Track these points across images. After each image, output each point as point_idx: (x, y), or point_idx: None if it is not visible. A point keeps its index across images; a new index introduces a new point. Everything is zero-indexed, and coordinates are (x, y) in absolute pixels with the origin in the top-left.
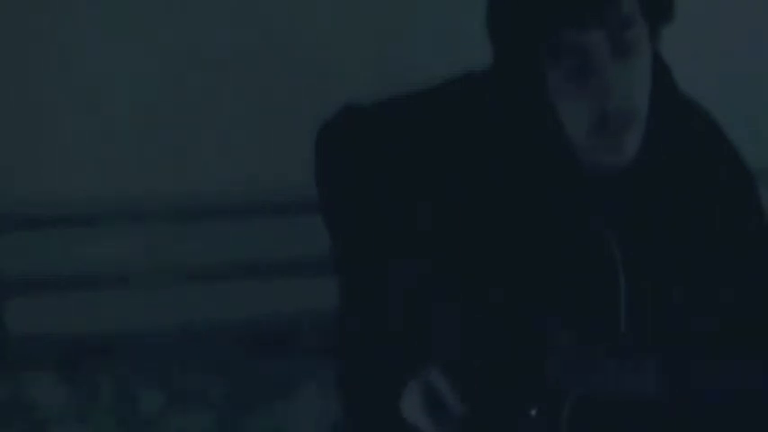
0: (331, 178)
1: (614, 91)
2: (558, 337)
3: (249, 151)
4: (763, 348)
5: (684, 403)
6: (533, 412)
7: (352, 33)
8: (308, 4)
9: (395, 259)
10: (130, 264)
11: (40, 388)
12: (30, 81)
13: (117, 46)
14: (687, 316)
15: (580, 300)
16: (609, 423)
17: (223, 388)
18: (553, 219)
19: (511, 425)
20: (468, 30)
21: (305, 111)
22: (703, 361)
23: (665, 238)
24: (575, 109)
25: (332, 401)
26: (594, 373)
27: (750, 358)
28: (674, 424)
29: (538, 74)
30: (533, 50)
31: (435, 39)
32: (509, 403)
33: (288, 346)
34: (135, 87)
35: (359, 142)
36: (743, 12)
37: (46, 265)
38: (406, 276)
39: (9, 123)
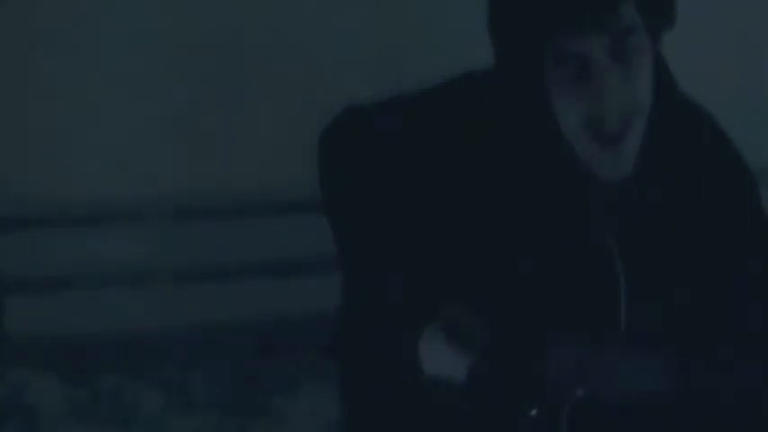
0: (334, 178)
1: (614, 96)
2: (558, 337)
3: (249, 152)
4: (763, 348)
5: (685, 403)
6: (533, 412)
7: (352, 33)
8: (308, 4)
9: (396, 258)
10: (131, 264)
11: (40, 388)
12: (29, 82)
13: (117, 47)
14: (687, 316)
15: (580, 300)
16: (609, 423)
17: (223, 388)
18: (553, 219)
19: (511, 425)
20: (469, 30)
21: (306, 111)
22: (704, 360)
23: (666, 238)
24: (574, 113)
25: (333, 401)
26: (595, 373)
27: (751, 358)
28: (674, 424)
29: (538, 78)
30: (534, 55)
31: (435, 39)
32: (509, 403)
33: (288, 346)
34: (135, 88)
35: (361, 143)
36: (743, 12)
37: (46, 265)
38: (406, 275)
39: (9, 124)
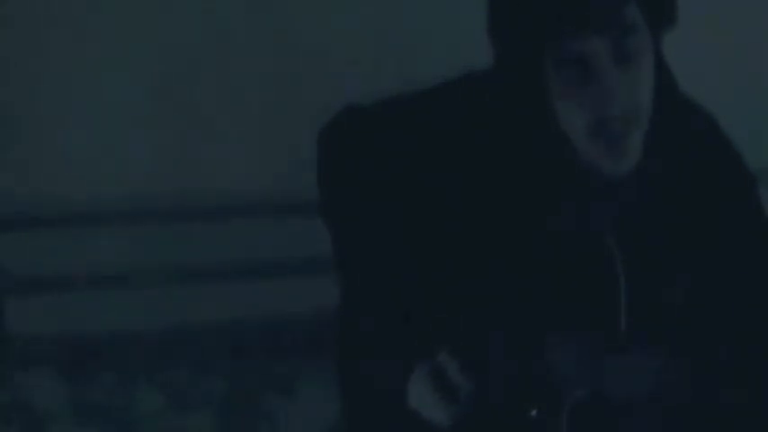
0: (332, 178)
1: (615, 97)
2: (558, 337)
3: (250, 152)
4: (763, 348)
5: (685, 403)
6: (533, 412)
7: (353, 33)
8: (309, 4)
9: (394, 262)
10: (130, 264)
11: (40, 388)
12: (30, 82)
13: (117, 47)
14: (687, 316)
15: (580, 300)
16: (609, 423)
17: (223, 388)
18: (553, 219)
19: (511, 425)
20: (469, 30)
21: (305, 111)
22: (704, 360)
23: (666, 239)
24: (576, 114)
25: (332, 401)
26: (595, 373)
27: (751, 358)
28: (674, 424)
29: (539, 79)
30: (535, 57)
31: (435, 39)
32: (509, 403)
33: (287, 347)
34: (135, 88)
35: (360, 142)
36: (743, 12)
37: (46, 265)
38: (406, 276)
39: (9, 124)
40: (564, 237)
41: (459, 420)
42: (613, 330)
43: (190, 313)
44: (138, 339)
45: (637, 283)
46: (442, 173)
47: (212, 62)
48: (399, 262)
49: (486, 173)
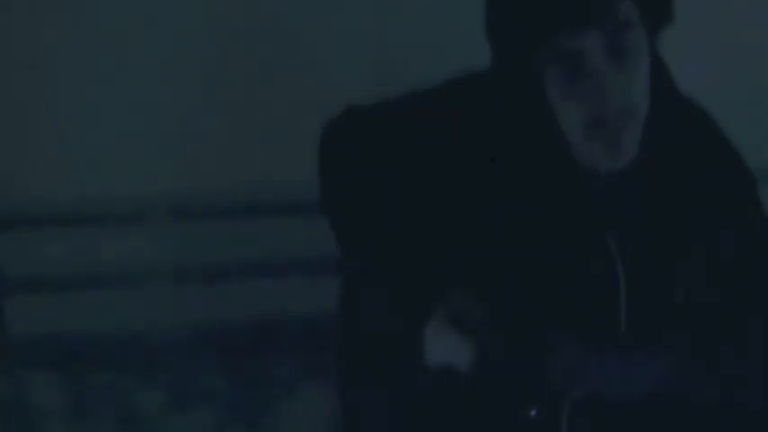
0: (333, 178)
1: (611, 94)
2: (558, 336)
3: (250, 151)
4: (762, 348)
5: (685, 403)
6: (533, 412)
7: (352, 33)
8: (308, 4)
9: (396, 258)
10: (130, 264)
11: (40, 388)
12: (30, 82)
13: (117, 46)
14: (687, 315)
15: (580, 299)
16: (609, 423)
17: (223, 388)
18: (553, 218)
19: (511, 425)
20: (468, 30)
21: (306, 111)
22: (704, 360)
23: (665, 238)
24: (572, 111)
25: (332, 401)
26: (594, 373)
27: (751, 357)
28: (674, 423)
29: (536, 76)
30: (531, 54)
31: (435, 39)
32: (509, 403)
33: (287, 347)
34: (135, 88)
35: (361, 142)
36: (743, 11)
37: (46, 265)
38: (406, 274)
39: (9, 124)
40: (563, 236)
41: (481, 359)
42: (613, 330)
43: (190, 313)
44: (138, 339)
45: (637, 282)
46: (441, 172)
47: (213, 62)
48: (401, 260)
49: (485, 172)
